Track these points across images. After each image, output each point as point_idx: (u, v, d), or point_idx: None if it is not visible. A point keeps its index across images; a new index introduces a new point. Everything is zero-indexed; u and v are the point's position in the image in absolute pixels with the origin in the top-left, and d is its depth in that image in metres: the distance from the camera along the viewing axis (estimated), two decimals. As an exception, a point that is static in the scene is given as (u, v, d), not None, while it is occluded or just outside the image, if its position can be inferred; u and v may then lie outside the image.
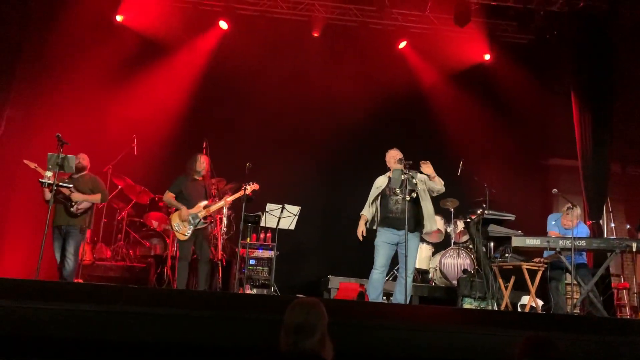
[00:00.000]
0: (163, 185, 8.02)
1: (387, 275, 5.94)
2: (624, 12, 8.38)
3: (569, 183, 8.57)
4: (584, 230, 6.39)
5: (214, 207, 6.31)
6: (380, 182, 5.86)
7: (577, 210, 6.27)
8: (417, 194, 5.64)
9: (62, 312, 3.69)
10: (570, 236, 5.81)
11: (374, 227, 5.78)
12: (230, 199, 6.45)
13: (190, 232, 6.15)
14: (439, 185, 5.66)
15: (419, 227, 5.71)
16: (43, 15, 8.18)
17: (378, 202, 5.77)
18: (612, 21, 8.39)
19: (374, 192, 5.83)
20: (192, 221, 6.16)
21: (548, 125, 9.49)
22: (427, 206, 5.70)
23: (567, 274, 6.17)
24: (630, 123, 9.28)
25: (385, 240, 5.65)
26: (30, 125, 7.89)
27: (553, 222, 6.35)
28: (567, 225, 6.19)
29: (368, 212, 5.81)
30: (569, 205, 6.11)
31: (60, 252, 6.06)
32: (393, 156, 5.83)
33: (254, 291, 7.44)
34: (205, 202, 6.28)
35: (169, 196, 6.34)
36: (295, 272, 8.62)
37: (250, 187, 6.37)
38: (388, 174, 5.88)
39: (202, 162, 6.40)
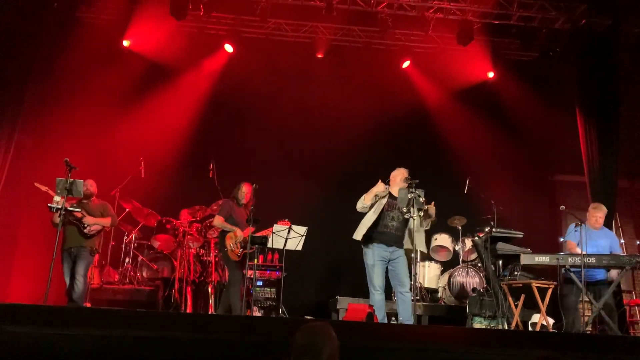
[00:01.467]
0: (170, 207, 8.11)
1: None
2: (625, 29, 8.44)
3: (577, 199, 8.52)
4: (607, 234, 6.25)
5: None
6: (382, 190, 5.75)
7: (601, 211, 6.17)
8: (424, 212, 5.64)
9: (71, 337, 3.68)
10: (580, 253, 5.76)
11: (360, 239, 5.71)
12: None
13: (241, 253, 6.25)
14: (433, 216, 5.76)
15: (404, 247, 5.77)
16: (51, 41, 8.31)
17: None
18: (614, 37, 8.44)
19: (376, 195, 5.73)
20: (243, 244, 6.28)
21: (554, 141, 9.48)
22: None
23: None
24: (636, 138, 9.27)
25: (378, 259, 5.65)
26: (38, 150, 7.97)
27: (575, 231, 6.21)
28: (594, 227, 6.12)
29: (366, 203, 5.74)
30: (577, 222, 6.06)
31: (70, 275, 6.08)
32: (401, 174, 5.81)
33: (261, 313, 7.41)
34: (252, 229, 6.35)
35: (219, 220, 6.44)
36: (303, 293, 8.58)
37: (284, 224, 6.47)
38: (388, 188, 5.83)
39: (244, 192, 6.53)
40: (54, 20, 8.30)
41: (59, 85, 8.41)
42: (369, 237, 5.71)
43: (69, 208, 5.87)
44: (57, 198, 5.74)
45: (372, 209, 5.75)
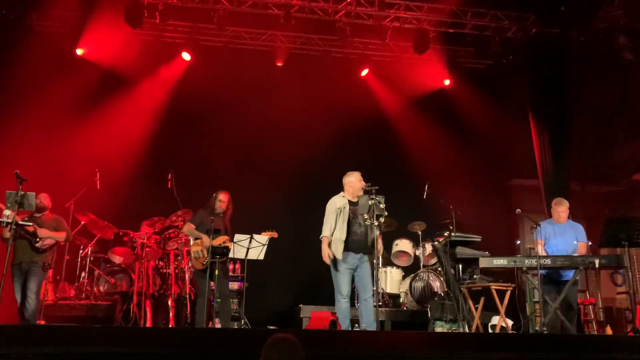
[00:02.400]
0: (127, 219, 7.91)
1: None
2: (574, 37, 8.76)
3: (532, 202, 8.76)
4: (572, 227, 6.30)
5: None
6: (340, 203, 5.74)
7: (563, 205, 6.28)
8: (385, 218, 5.67)
9: (23, 356, 3.53)
10: (535, 256, 5.91)
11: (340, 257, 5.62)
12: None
13: (208, 262, 6.11)
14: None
15: (372, 249, 5.70)
16: (1, 49, 8.04)
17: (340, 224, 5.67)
18: (563, 46, 8.76)
19: (336, 213, 5.68)
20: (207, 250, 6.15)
21: (509, 146, 9.73)
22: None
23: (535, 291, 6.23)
24: (586, 143, 9.63)
25: (347, 267, 5.61)
26: (-13, 162, 7.66)
27: (532, 232, 6.29)
28: (558, 222, 6.25)
29: (330, 232, 5.63)
30: (533, 225, 6.22)
31: (21, 292, 5.85)
32: (359, 180, 5.79)
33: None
34: (226, 237, 6.26)
35: (189, 227, 6.36)
36: (266, 303, 8.50)
37: (268, 234, 6.37)
38: (342, 194, 5.82)
39: (221, 200, 6.43)
40: (3, 28, 8.04)
41: (8, 95, 8.14)
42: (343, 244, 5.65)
43: (20, 222, 5.65)
44: (7, 212, 5.51)
45: (338, 224, 5.65)
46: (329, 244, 5.61)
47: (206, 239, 6.20)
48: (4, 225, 5.58)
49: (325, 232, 5.66)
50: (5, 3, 8.09)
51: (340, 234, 5.61)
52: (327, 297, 7.39)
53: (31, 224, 5.85)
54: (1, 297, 5.08)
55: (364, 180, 5.79)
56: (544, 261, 5.83)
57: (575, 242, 6.15)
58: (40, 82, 8.25)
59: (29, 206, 5.55)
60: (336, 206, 5.72)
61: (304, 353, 2.57)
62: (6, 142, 7.81)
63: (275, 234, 6.40)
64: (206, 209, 6.44)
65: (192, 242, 6.55)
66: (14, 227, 5.44)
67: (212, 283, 6.14)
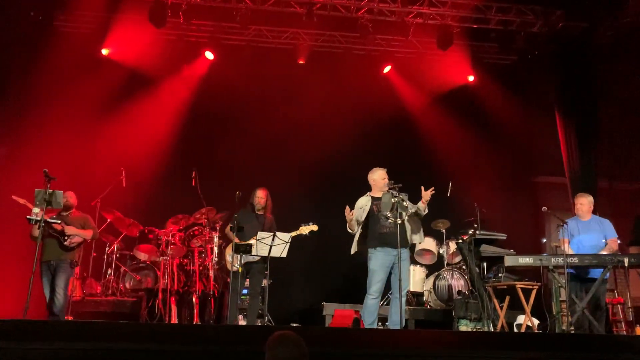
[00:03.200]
0: (152, 216, 8.01)
1: (381, 300, 5.89)
2: (601, 31, 8.58)
3: (558, 200, 8.63)
4: (598, 222, 6.20)
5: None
6: (363, 202, 5.78)
7: (583, 197, 6.22)
8: (408, 216, 5.63)
9: (52, 352, 3.60)
10: (562, 254, 5.81)
11: (366, 248, 5.71)
12: (291, 235, 6.39)
13: (239, 264, 6.21)
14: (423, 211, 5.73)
15: (408, 246, 5.72)
16: (28, 50, 8.20)
17: (365, 222, 5.72)
18: (590, 40, 8.58)
19: (360, 213, 5.73)
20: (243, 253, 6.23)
21: (534, 143, 9.60)
22: (413, 224, 5.72)
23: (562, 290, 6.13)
24: (614, 139, 9.42)
25: (381, 265, 5.58)
26: (16, 162, 7.83)
27: (558, 231, 6.20)
28: (582, 217, 6.18)
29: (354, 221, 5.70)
30: (559, 222, 6.12)
31: (50, 288, 5.96)
32: (382, 177, 5.80)
33: (247, 322, 7.33)
34: (261, 234, 6.27)
35: (226, 229, 6.59)
36: (289, 301, 8.53)
37: (308, 228, 6.41)
38: (369, 194, 5.84)
39: (259, 197, 6.51)
40: (30, 29, 8.19)
41: (36, 95, 8.28)
42: (373, 240, 5.67)
43: (48, 220, 5.75)
44: (36, 210, 5.62)
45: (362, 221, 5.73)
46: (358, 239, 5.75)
47: (236, 241, 6.25)
48: (33, 223, 5.69)
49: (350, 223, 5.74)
50: (31, 5, 8.24)
51: (363, 231, 5.67)
52: (350, 294, 7.42)
53: (59, 221, 5.95)
54: (31, 294, 5.21)
55: (389, 178, 5.76)
56: (571, 260, 5.73)
57: (604, 240, 6.03)
58: (67, 82, 8.38)
59: (57, 204, 5.66)
60: (359, 206, 5.78)
61: (305, 348, 2.57)
62: (34, 141, 7.96)
63: (315, 227, 6.42)
64: (247, 207, 6.54)
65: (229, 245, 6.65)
66: (43, 225, 5.55)
67: (247, 280, 6.21)
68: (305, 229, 6.41)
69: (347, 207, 5.69)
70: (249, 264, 6.38)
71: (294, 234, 6.41)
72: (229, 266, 6.37)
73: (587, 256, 5.83)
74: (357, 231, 5.78)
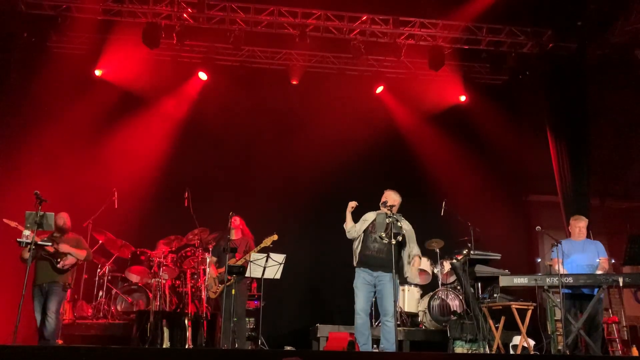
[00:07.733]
0: (145, 238, 7.94)
1: (376, 321, 5.83)
2: (591, 51, 8.68)
3: (552, 219, 8.63)
4: (591, 243, 6.25)
5: (239, 262, 6.38)
6: (369, 216, 5.76)
7: (582, 221, 6.24)
8: (402, 237, 5.56)
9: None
10: (557, 274, 5.80)
11: (354, 265, 5.69)
12: (254, 251, 6.41)
13: (218, 290, 6.36)
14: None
15: (395, 269, 5.57)
16: (21, 71, 8.18)
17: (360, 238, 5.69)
18: (580, 60, 8.69)
19: (361, 224, 5.71)
20: (218, 279, 6.39)
21: (527, 162, 9.63)
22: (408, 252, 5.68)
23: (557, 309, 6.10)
24: (605, 158, 9.48)
25: (362, 283, 5.57)
26: (7, 183, 7.74)
27: (552, 251, 6.19)
28: (577, 238, 6.22)
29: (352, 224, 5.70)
30: (553, 242, 6.11)
31: (41, 312, 5.86)
32: (384, 197, 5.77)
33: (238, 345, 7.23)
34: (233, 259, 6.31)
35: (210, 259, 6.66)
36: (283, 322, 8.45)
37: (270, 239, 6.40)
38: (378, 211, 5.78)
39: (230, 223, 6.54)
40: (24, 50, 8.19)
41: (29, 116, 8.26)
42: (357, 260, 5.67)
43: (40, 242, 5.68)
44: (26, 232, 5.54)
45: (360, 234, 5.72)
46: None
47: (212, 270, 6.38)
48: (23, 245, 5.62)
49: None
50: (26, 27, 8.25)
51: (357, 246, 5.66)
52: (344, 316, 7.35)
53: (50, 243, 5.88)
54: (20, 317, 5.11)
55: (382, 198, 5.75)
56: (566, 279, 5.72)
57: (598, 260, 6.04)
58: (60, 102, 8.39)
59: (48, 226, 5.59)
60: (364, 217, 5.77)
61: None
62: (26, 161, 7.91)
63: (275, 236, 6.40)
64: (225, 232, 6.57)
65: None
66: (33, 247, 5.48)
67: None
68: (267, 241, 6.40)
69: (354, 202, 5.65)
70: (229, 287, 6.28)
71: (258, 248, 6.40)
72: (210, 294, 6.47)
73: (581, 276, 5.82)
74: (356, 245, 5.72)
